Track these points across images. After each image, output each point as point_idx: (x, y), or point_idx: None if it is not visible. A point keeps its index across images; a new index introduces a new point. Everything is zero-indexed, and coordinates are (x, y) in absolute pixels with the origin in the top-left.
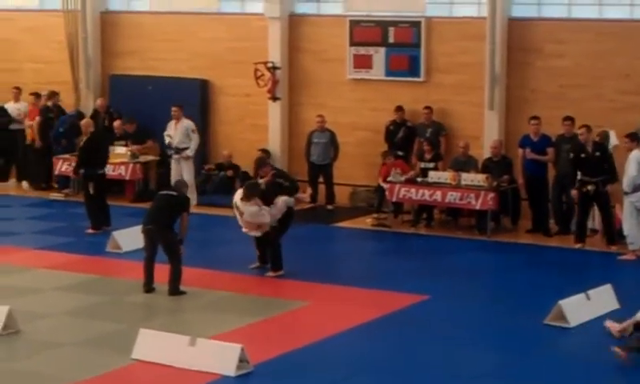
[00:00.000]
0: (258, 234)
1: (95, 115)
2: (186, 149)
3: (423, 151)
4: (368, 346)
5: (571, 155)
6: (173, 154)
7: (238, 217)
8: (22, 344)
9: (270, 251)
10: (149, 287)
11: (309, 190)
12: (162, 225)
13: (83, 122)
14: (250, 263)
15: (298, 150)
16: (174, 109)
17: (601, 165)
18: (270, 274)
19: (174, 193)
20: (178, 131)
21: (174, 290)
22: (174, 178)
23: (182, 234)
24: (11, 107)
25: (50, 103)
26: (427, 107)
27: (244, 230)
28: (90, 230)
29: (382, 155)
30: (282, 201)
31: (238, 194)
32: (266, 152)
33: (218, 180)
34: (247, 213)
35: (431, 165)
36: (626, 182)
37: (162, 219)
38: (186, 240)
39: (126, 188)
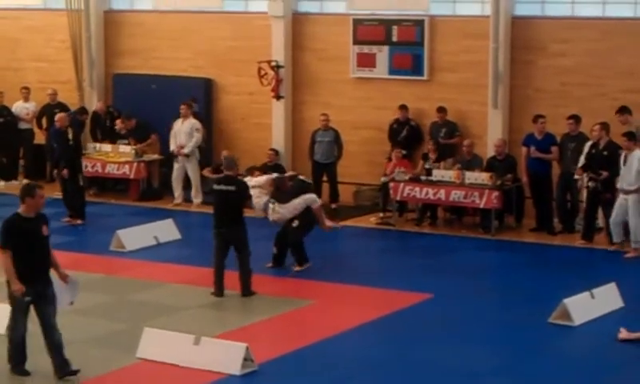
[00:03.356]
0: (270, 216)
1: (96, 117)
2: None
3: (428, 151)
4: (372, 345)
5: (586, 146)
6: (176, 152)
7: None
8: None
9: (291, 251)
10: (220, 292)
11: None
12: (232, 223)
13: (57, 118)
14: (263, 262)
15: (301, 149)
16: (182, 106)
17: (606, 164)
18: (296, 268)
19: (231, 187)
20: (183, 129)
21: (247, 291)
22: (175, 179)
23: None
24: (20, 107)
25: (50, 100)
26: (441, 108)
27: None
28: (67, 219)
29: (390, 152)
30: (301, 199)
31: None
32: (275, 152)
33: None
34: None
35: (436, 166)
36: (634, 179)
37: (230, 218)
38: (192, 240)
39: (130, 187)
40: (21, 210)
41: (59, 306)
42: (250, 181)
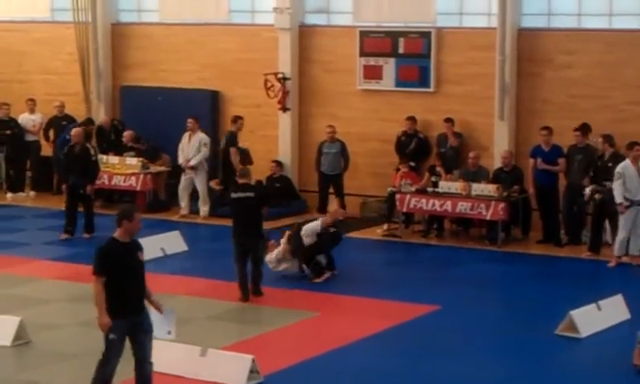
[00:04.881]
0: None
1: (101, 131)
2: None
3: (435, 165)
4: (379, 357)
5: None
6: (183, 165)
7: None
8: (33, 355)
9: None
10: (246, 297)
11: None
12: (253, 234)
13: (74, 133)
14: (270, 274)
15: (308, 161)
16: (189, 120)
17: (611, 176)
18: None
19: (249, 194)
20: (191, 144)
21: (257, 290)
22: (182, 190)
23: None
24: (26, 118)
25: (57, 113)
26: (448, 119)
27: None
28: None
29: (398, 164)
30: (306, 237)
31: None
32: (278, 163)
33: None
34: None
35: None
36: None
37: (251, 228)
38: (199, 251)
39: (136, 199)
40: (117, 234)
41: (157, 336)
42: (271, 254)
